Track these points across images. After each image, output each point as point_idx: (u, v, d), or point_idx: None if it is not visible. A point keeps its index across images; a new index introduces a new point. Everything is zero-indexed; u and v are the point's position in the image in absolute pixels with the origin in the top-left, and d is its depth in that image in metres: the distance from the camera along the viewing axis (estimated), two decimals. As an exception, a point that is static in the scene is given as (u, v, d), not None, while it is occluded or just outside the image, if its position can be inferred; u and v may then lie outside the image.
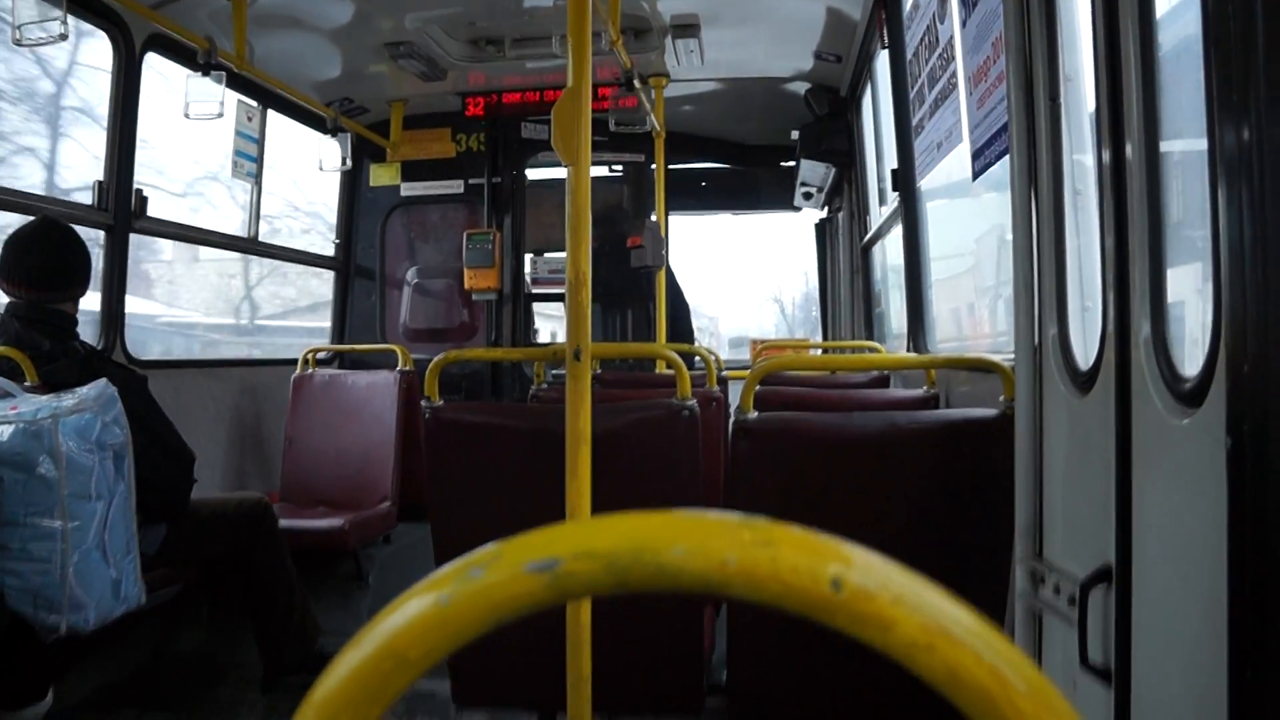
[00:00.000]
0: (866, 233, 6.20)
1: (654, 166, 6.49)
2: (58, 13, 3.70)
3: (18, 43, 3.74)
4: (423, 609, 0.55)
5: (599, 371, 5.18)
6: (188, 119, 4.80)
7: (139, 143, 4.79)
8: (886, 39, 4.64)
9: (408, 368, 5.80)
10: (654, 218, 6.58)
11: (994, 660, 0.51)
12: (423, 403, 2.87)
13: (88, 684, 3.94)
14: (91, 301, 4.36)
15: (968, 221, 4.53)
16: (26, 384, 3.43)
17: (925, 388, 3.84)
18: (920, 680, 0.52)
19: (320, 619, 4.26)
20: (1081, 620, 1.73)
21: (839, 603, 0.52)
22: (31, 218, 3.85)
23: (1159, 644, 1.54)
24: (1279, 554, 1.21)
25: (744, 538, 0.53)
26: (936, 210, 4.64)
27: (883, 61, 4.97)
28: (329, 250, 7.20)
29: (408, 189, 7.23)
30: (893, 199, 4.91)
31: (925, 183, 4.42)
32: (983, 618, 0.53)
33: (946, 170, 3.93)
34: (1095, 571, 1.72)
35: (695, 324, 7.96)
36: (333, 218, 7.30)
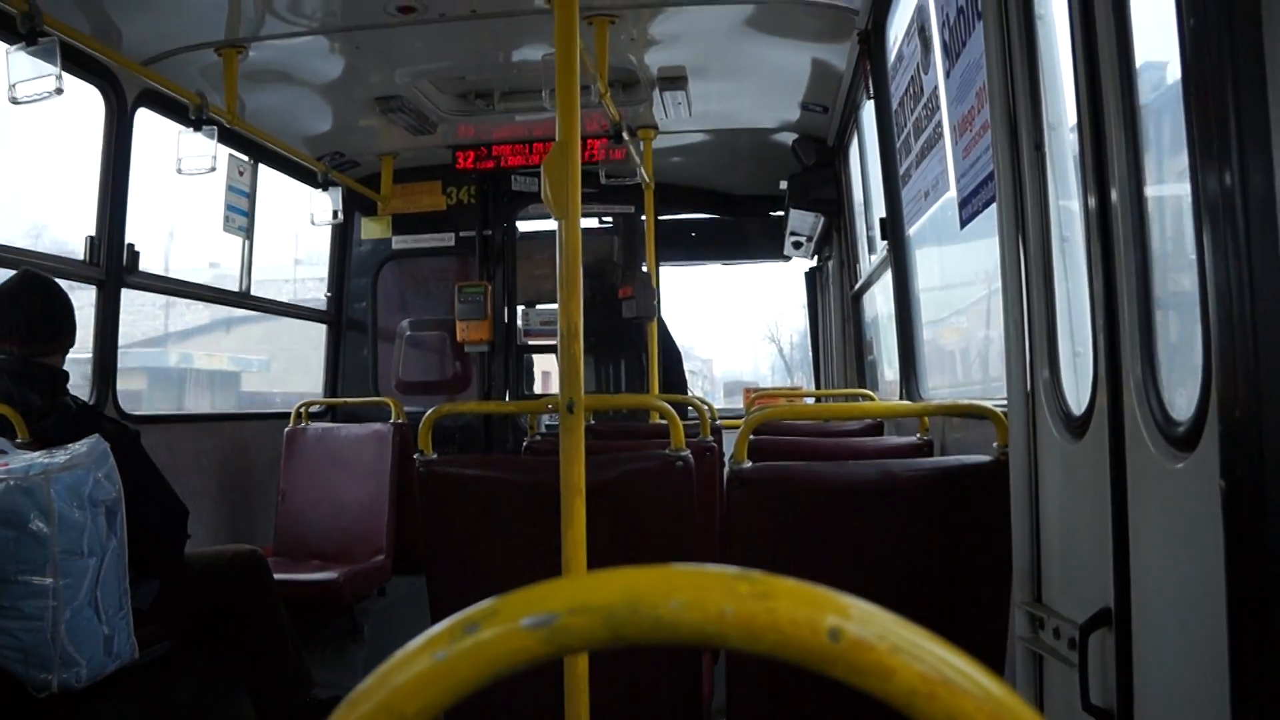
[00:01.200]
0: (856, 281, 6.23)
1: (644, 218, 6.53)
2: (52, 69, 3.73)
3: (14, 100, 3.77)
4: (420, 665, 0.55)
5: (593, 423, 5.17)
6: (180, 174, 4.84)
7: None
8: (872, 89, 4.69)
9: (401, 420, 5.80)
10: (645, 269, 6.60)
11: (994, 707, 0.51)
12: (416, 456, 2.87)
13: (78, 743, 3.88)
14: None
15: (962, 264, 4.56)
16: (18, 440, 3.42)
17: (919, 435, 3.84)
18: None
19: (315, 672, 4.22)
20: (1082, 663, 1.73)
21: (837, 653, 0.52)
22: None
23: (1161, 684, 1.54)
24: (1276, 593, 1.21)
25: (740, 590, 0.53)
26: (932, 253, 4.67)
27: (868, 111, 5.02)
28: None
29: (399, 242, 7.26)
30: (881, 247, 4.95)
31: (916, 229, 4.45)
32: (982, 665, 0.53)
33: (937, 215, 3.96)
34: (1095, 615, 1.71)
35: (688, 367, 7.96)
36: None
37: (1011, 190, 2.12)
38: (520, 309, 7.41)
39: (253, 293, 6.21)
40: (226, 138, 5.23)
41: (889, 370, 5.66)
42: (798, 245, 7.19)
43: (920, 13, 3.67)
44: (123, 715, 4.12)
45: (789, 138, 6.59)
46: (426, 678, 0.54)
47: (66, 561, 2.90)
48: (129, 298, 4.89)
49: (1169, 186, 1.68)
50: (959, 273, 4.60)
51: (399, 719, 0.54)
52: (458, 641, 0.54)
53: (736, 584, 0.53)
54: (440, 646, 0.54)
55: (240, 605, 3.98)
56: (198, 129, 4.81)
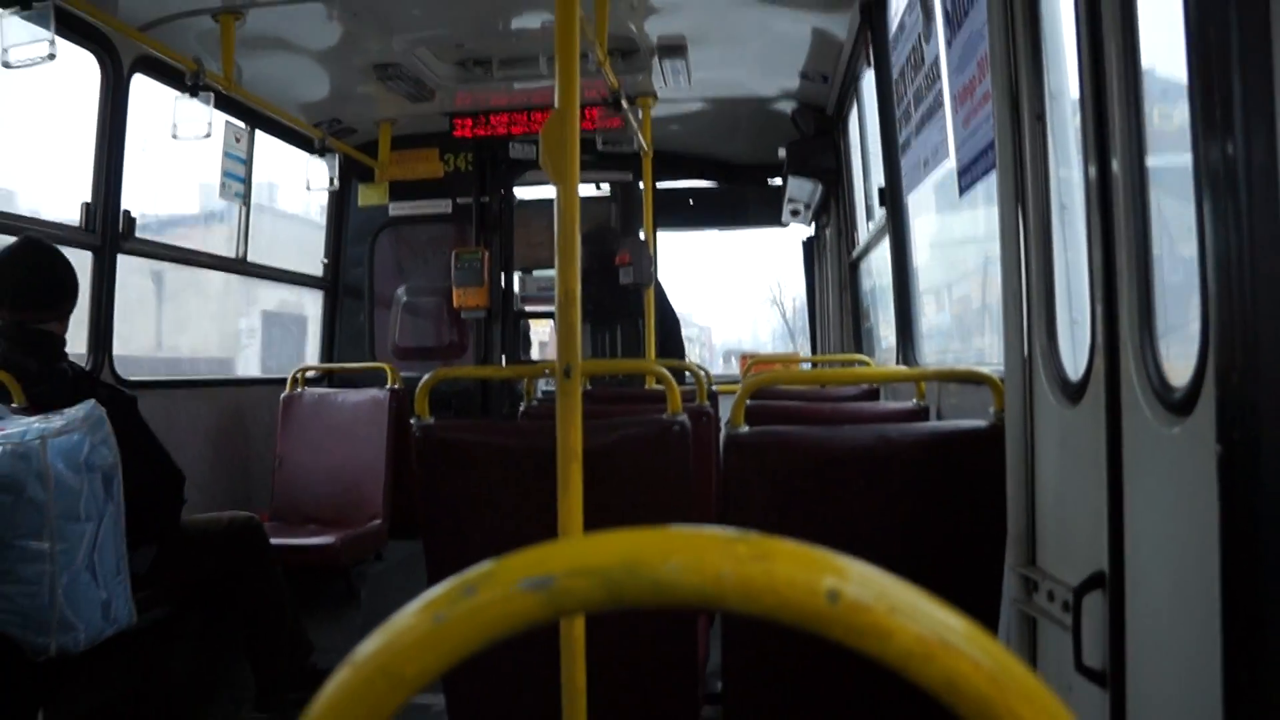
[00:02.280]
0: (854, 249, 6.22)
1: (642, 185, 6.51)
2: (46, 34, 3.71)
3: (6, 64, 3.74)
4: (418, 627, 0.55)
5: (589, 388, 5.18)
6: (175, 139, 4.82)
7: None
8: (872, 58, 4.67)
9: (397, 386, 5.80)
10: (642, 235, 6.59)
11: (992, 667, 0.52)
12: (413, 421, 2.87)
13: (78, 706, 3.90)
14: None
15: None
16: (14, 405, 3.42)
17: (915, 400, 3.85)
18: (917, 688, 0.52)
19: (313, 636, 4.24)
20: (1076, 626, 1.74)
21: (835, 614, 0.52)
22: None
23: (1153, 647, 1.55)
24: (1271, 558, 1.22)
25: (739, 552, 0.53)
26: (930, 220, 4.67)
27: (869, 81, 4.99)
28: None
29: (396, 209, 7.24)
30: (879, 215, 4.93)
31: (913, 196, 4.44)
32: (979, 626, 0.53)
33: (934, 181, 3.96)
34: (1088, 578, 1.72)
35: (686, 333, 7.96)
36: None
37: (1012, 159, 2.11)
38: (517, 275, 7.39)
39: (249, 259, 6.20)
40: (223, 104, 5.20)
41: (885, 336, 5.66)
42: (796, 213, 7.17)
43: (922, -19, 3.64)
44: (121, 679, 4.15)
45: (788, 106, 6.56)
46: (425, 640, 0.55)
47: (63, 526, 2.90)
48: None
49: (1169, 156, 1.67)
50: (957, 240, 4.60)
51: (398, 680, 0.55)
52: (456, 604, 0.55)
53: (734, 546, 0.53)
54: (439, 609, 0.55)
55: (238, 572, 3.99)
56: (194, 95, 4.78)
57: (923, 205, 4.55)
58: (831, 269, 7.21)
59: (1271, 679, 1.23)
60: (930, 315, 4.89)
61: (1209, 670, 1.30)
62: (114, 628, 3.09)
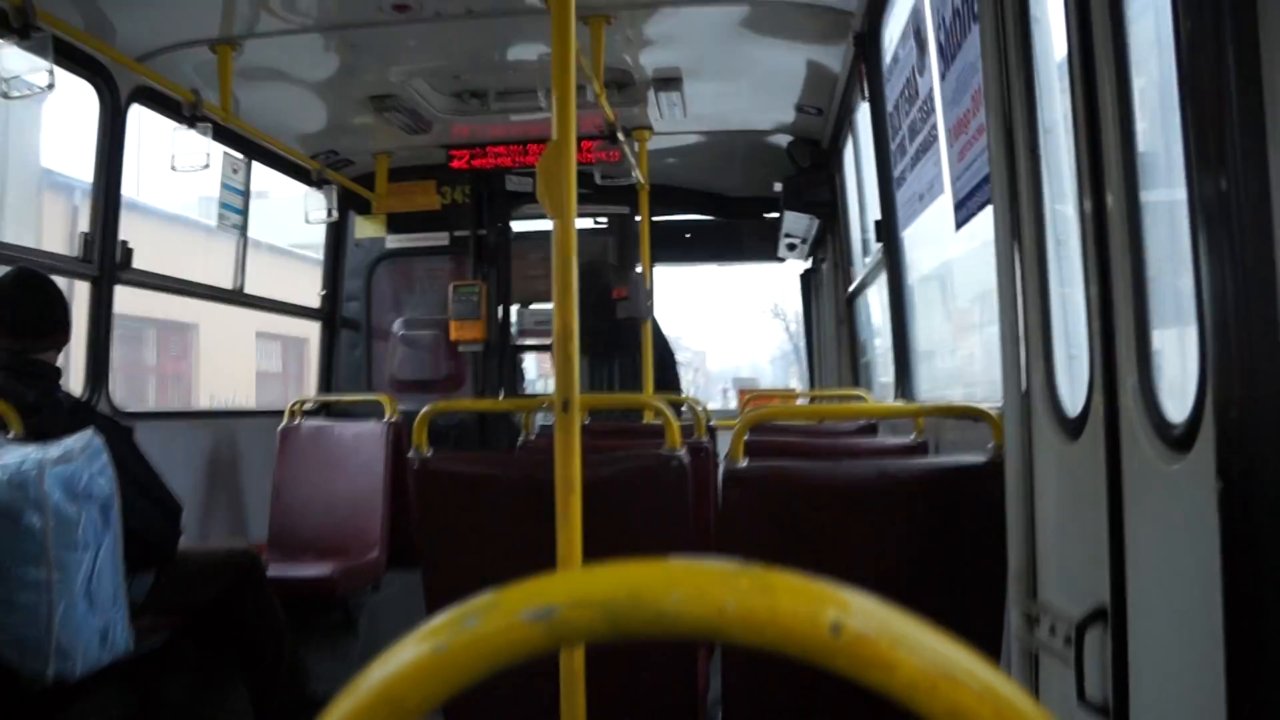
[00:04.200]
0: (851, 283, 6.23)
1: (639, 218, 6.53)
2: (45, 65, 3.72)
3: (5, 95, 3.76)
4: (419, 656, 0.55)
5: (587, 422, 5.17)
6: (174, 171, 4.83)
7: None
8: (867, 91, 4.69)
9: (395, 418, 5.79)
10: (639, 269, 6.61)
11: (995, 700, 0.52)
12: (411, 453, 2.87)
13: (72, 736, 3.88)
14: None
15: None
16: (11, 435, 3.41)
17: (913, 435, 3.84)
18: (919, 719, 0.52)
19: (310, 666, 4.22)
20: (1078, 659, 1.73)
21: (839, 647, 0.52)
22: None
23: (1156, 681, 1.55)
24: (1273, 593, 1.22)
25: (741, 584, 0.53)
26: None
27: (864, 114, 5.03)
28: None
29: (393, 241, 7.26)
30: (876, 249, 4.95)
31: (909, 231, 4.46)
32: (982, 658, 0.53)
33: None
34: (1090, 612, 1.72)
35: (679, 357, 7.98)
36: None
37: (1007, 193, 2.12)
38: (515, 309, 7.41)
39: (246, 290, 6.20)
40: (221, 135, 5.22)
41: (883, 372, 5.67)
42: (792, 247, 7.20)
43: (916, 15, 3.67)
44: (118, 708, 4.11)
45: (784, 140, 6.59)
46: (426, 669, 0.54)
47: (60, 555, 2.90)
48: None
49: (1164, 190, 1.68)
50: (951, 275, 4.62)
51: (398, 709, 0.54)
52: (458, 633, 0.54)
53: (737, 578, 0.53)
54: (440, 637, 0.55)
55: (236, 603, 3.98)
56: (192, 126, 4.80)
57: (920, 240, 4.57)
58: (829, 303, 7.23)
59: (1275, 715, 1.22)
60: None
61: (1212, 704, 1.30)
62: (111, 656, 3.08)
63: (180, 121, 4.81)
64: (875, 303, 5.73)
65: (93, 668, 3.01)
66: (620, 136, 5.32)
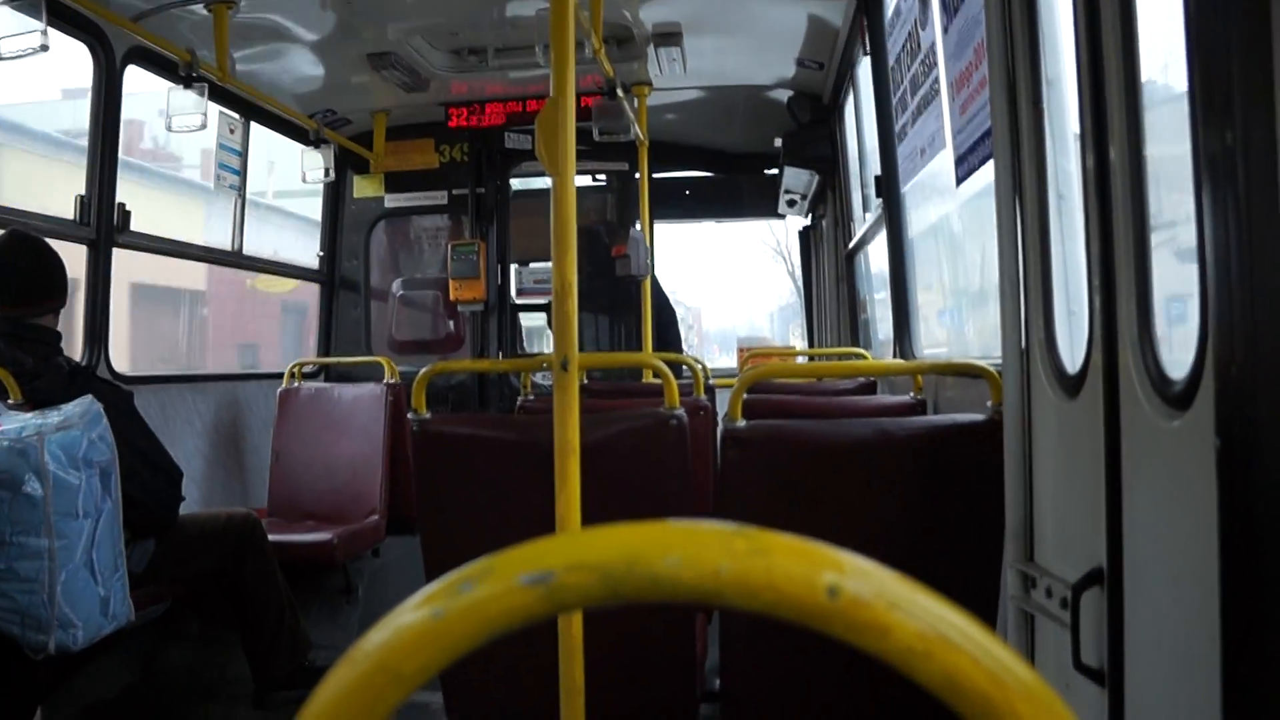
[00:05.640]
0: (851, 239, 6.21)
1: (638, 175, 6.50)
2: (38, 25, 3.68)
3: (-1, 56, 3.72)
4: (416, 623, 0.54)
5: (586, 382, 5.17)
6: (170, 131, 4.80)
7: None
8: (868, 45, 4.65)
9: (394, 380, 5.79)
10: (639, 227, 6.58)
11: (991, 664, 0.51)
12: (410, 415, 2.87)
13: (76, 703, 3.91)
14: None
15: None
16: (10, 401, 3.41)
17: (912, 394, 3.84)
18: (916, 684, 0.52)
19: (310, 633, 4.25)
20: (1074, 623, 1.73)
21: (835, 610, 0.52)
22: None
23: (1152, 645, 1.55)
24: (1270, 553, 1.22)
25: (737, 547, 0.53)
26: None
27: (865, 68, 4.98)
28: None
29: (392, 200, 7.22)
30: (876, 205, 4.93)
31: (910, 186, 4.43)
32: (978, 622, 0.53)
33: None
34: (1087, 574, 1.72)
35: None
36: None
37: (1009, 147, 2.10)
38: (514, 267, 7.38)
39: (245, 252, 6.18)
40: (217, 95, 5.18)
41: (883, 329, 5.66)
42: (792, 203, 7.16)
43: (918, -33, 3.63)
44: (120, 677, 4.15)
45: (784, 95, 6.54)
46: (424, 636, 0.54)
47: (61, 523, 2.90)
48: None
49: (1168, 145, 1.66)
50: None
51: (396, 677, 0.54)
52: (455, 599, 0.54)
53: (733, 540, 0.53)
54: (437, 604, 0.54)
55: (236, 570, 4.00)
56: (188, 86, 4.76)
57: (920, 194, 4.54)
58: (828, 260, 7.21)
59: (1271, 676, 1.23)
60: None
61: (1208, 667, 1.30)
62: (112, 625, 3.09)
63: (176, 82, 4.76)
64: (875, 259, 5.71)
65: (94, 637, 3.02)
66: (619, 93, 5.28)
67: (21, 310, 3.63)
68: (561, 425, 2.22)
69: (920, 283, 4.67)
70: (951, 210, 4.33)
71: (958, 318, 4.80)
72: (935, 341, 4.86)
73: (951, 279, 4.75)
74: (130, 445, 3.41)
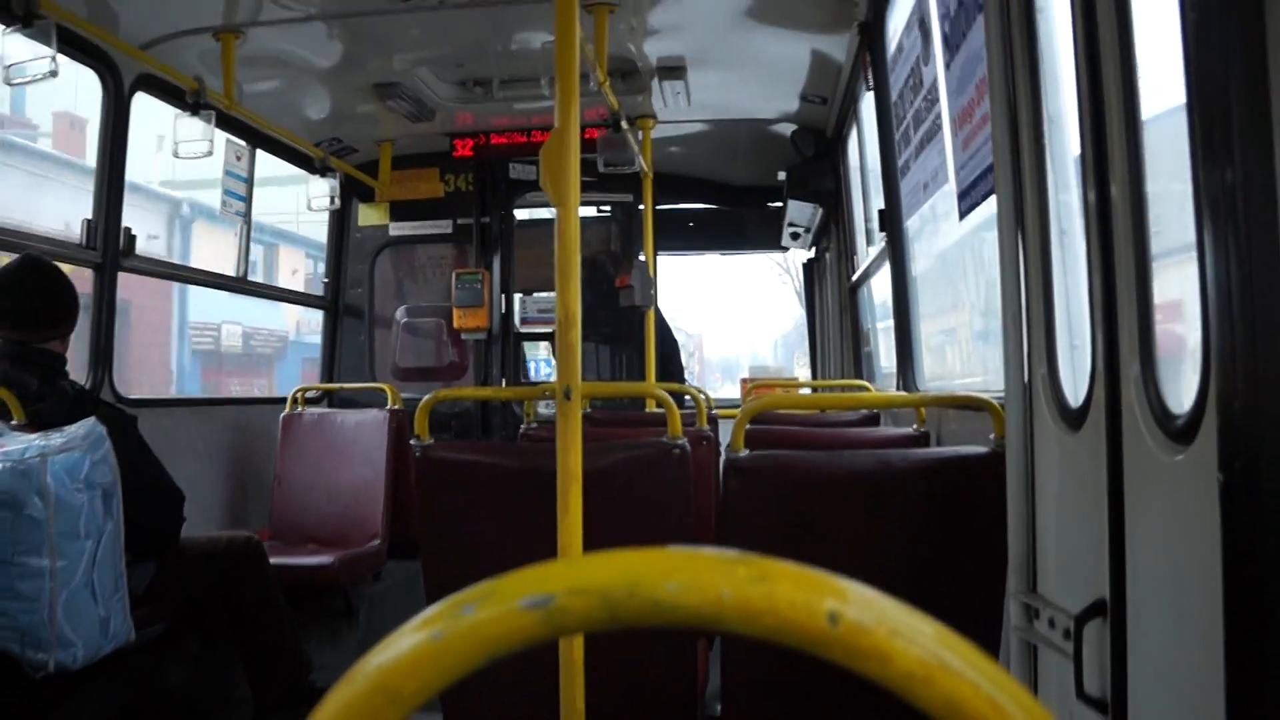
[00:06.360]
0: (854, 272, 6.22)
1: (642, 207, 6.52)
2: (48, 51, 3.72)
3: (8, 82, 3.76)
4: (416, 644, 0.55)
5: (589, 410, 5.18)
6: (177, 158, 4.83)
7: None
8: (871, 80, 4.68)
9: (397, 406, 5.80)
10: (642, 258, 6.60)
11: (992, 691, 0.51)
12: (413, 441, 2.87)
13: (74, 723, 3.89)
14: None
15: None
16: (14, 423, 3.41)
17: (915, 426, 3.84)
18: (917, 711, 0.52)
19: (310, 655, 4.23)
20: (1077, 653, 1.73)
21: (835, 637, 0.52)
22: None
23: (1155, 675, 1.54)
24: (1274, 588, 1.22)
25: (739, 573, 0.53)
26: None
27: (868, 103, 5.01)
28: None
29: (396, 229, 7.26)
30: (879, 239, 4.94)
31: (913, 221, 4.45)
32: (980, 650, 0.53)
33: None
34: (1090, 606, 1.72)
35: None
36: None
37: (1011, 182, 2.11)
38: (518, 296, 7.41)
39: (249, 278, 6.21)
40: (224, 123, 5.22)
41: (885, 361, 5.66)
42: (796, 236, 7.18)
43: (920, 4, 3.66)
44: (119, 697, 4.13)
45: (788, 128, 6.58)
46: (423, 657, 0.54)
47: (63, 543, 2.90)
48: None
49: (1168, 182, 1.67)
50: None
51: (395, 698, 0.54)
52: (455, 621, 0.54)
53: (735, 567, 0.53)
54: (437, 625, 0.54)
55: (237, 592, 3.98)
56: (195, 113, 4.80)
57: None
58: (832, 293, 7.22)
59: (1274, 709, 1.22)
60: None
61: (1211, 699, 1.29)
62: (112, 645, 3.08)
63: (184, 109, 4.80)
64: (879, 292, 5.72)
65: (93, 657, 3.02)
66: (624, 125, 5.31)
67: (29, 334, 3.64)
68: (564, 453, 2.22)
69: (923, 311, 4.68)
70: (957, 239, 4.35)
71: (958, 348, 4.81)
72: (946, 374, 4.86)
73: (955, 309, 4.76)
74: (132, 467, 3.40)
